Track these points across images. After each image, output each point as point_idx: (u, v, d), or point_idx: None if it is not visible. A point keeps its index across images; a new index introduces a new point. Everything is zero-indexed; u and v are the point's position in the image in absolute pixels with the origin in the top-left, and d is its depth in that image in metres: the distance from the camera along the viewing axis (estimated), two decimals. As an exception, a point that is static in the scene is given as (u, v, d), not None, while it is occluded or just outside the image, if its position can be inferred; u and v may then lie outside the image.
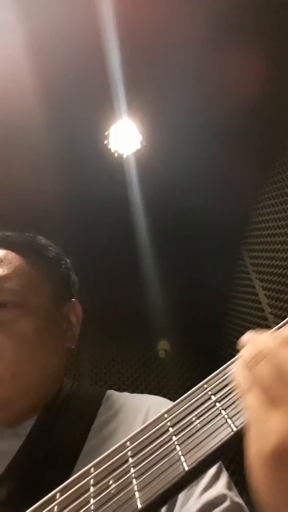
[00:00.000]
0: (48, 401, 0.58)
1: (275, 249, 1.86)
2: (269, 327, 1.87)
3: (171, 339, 2.70)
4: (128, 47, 1.48)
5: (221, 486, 0.47)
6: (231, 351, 2.39)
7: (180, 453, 0.29)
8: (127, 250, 2.23)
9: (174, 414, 0.33)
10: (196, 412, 0.32)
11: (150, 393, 2.75)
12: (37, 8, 1.38)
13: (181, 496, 0.47)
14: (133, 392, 2.47)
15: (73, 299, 0.68)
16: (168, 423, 0.32)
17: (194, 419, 0.31)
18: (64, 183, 2.03)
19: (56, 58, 1.53)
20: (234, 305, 2.40)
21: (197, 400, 0.33)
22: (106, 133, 1.86)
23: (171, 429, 0.31)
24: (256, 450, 0.26)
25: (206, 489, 0.46)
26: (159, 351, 2.67)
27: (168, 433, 0.31)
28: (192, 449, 0.29)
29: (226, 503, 0.45)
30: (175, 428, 0.31)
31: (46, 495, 0.30)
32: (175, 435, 0.30)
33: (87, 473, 0.31)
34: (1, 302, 0.55)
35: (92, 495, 0.29)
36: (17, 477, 0.48)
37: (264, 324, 1.94)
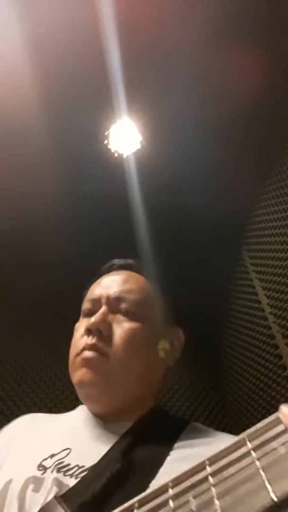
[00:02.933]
0: (145, 411, 0.69)
1: (275, 249, 1.86)
2: (269, 327, 1.88)
3: (171, 339, 2.70)
4: (128, 47, 1.48)
5: None
6: (231, 351, 2.39)
7: (264, 478, 0.27)
8: (127, 250, 2.22)
9: (255, 438, 0.31)
10: (279, 439, 0.30)
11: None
12: (36, 8, 1.38)
13: None
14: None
15: (178, 327, 0.83)
16: (250, 446, 0.30)
17: (276, 445, 0.29)
18: (63, 183, 2.03)
19: (55, 58, 1.53)
20: (234, 305, 2.40)
21: (278, 427, 0.32)
22: (106, 133, 1.86)
23: (253, 453, 0.30)
24: None
25: None
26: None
27: (250, 456, 0.29)
28: (278, 476, 0.26)
29: None
30: (257, 452, 0.29)
31: (125, 497, 0.31)
32: (258, 460, 0.29)
33: (165, 486, 0.30)
34: (124, 308, 0.72)
35: (172, 507, 0.28)
36: (102, 474, 0.52)
37: (264, 324, 1.94)
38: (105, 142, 1.89)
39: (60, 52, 1.51)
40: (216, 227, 2.20)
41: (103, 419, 0.67)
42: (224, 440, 0.62)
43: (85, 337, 0.68)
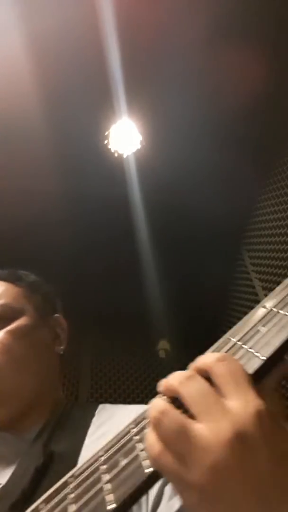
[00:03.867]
0: (50, 412, 0.67)
1: (275, 249, 1.86)
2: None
3: (171, 339, 2.70)
4: (128, 47, 1.48)
5: None
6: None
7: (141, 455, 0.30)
8: (127, 250, 2.23)
9: (140, 422, 0.34)
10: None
11: (150, 392, 2.74)
12: (37, 8, 1.38)
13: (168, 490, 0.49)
14: (132, 392, 2.47)
15: (56, 314, 0.82)
16: (133, 431, 0.33)
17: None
18: (64, 183, 2.02)
19: (56, 58, 1.53)
20: (234, 305, 2.40)
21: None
22: (106, 133, 1.86)
23: (135, 438, 0.32)
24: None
25: None
26: (159, 351, 2.67)
27: (133, 441, 0.32)
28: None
29: None
30: (140, 435, 0.32)
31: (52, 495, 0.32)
32: (141, 442, 0.31)
33: (96, 455, 0.33)
34: None
35: (104, 470, 0.30)
36: (25, 478, 0.52)
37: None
38: (105, 142, 1.89)
39: (61, 52, 1.51)
40: (216, 227, 2.20)
41: (9, 431, 0.64)
42: (133, 409, 0.65)
43: None
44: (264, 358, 0.30)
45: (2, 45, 1.46)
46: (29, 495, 0.48)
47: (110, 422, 0.63)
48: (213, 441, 0.26)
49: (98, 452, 0.33)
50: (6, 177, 1.95)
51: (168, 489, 0.48)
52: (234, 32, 1.49)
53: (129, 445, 0.31)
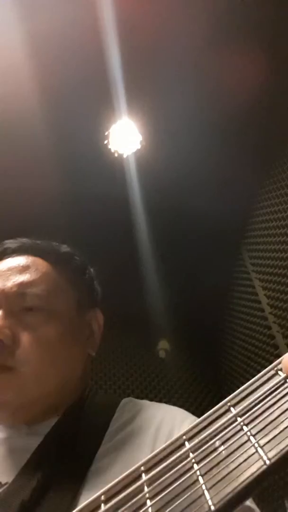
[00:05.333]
0: (70, 405, 0.60)
1: (275, 249, 1.86)
2: (269, 327, 1.88)
3: (171, 339, 2.70)
4: (128, 47, 1.48)
5: None
6: (231, 351, 2.39)
7: (204, 487, 0.24)
8: (127, 250, 2.23)
9: (195, 436, 0.28)
10: (219, 436, 0.28)
11: (150, 393, 2.73)
12: (37, 8, 1.38)
13: None
14: (132, 392, 2.46)
15: (96, 308, 0.70)
16: (188, 447, 0.28)
17: (217, 444, 0.27)
18: (64, 183, 2.03)
19: (56, 58, 1.53)
20: (234, 305, 2.40)
21: (220, 420, 0.29)
22: (106, 133, 1.86)
23: (191, 455, 0.27)
24: None
25: None
26: (159, 351, 2.67)
27: (189, 460, 0.27)
28: (218, 482, 0.24)
29: None
30: (197, 454, 0.27)
31: (62, 492, 0.29)
32: (197, 463, 0.26)
33: (97, 500, 0.27)
34: (28, 306, 0.58)
35: None
36: (35, 473, 0.48)
37: (264, 324, 1.94)
38: (105, 142, 1.89)
39: (61, 53, 1.51)
40: (216, 227, 2.20)
41: (27, 423, 0.58)
42: (154, 415, 0.59)
43: None
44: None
45: (2, 45, 1.46)
46: (38, 496, 0.45)
47: (133, 424, 0.58)
48: None
49: (100, 496, 0.27)
50: (6, 177, 1.95)
51: None
52: (233, 33, 1.49)
53: (138, 500, 0.25)
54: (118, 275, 2.36)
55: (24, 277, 0.60)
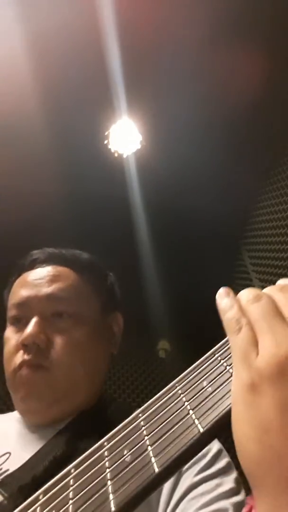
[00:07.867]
0: (89, 404, 0.65)
1: (275, 249, 1.86)
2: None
3: (171, 339, 2.70)
4: (128, 48, 1.48)
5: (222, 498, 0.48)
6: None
7: (193, 416, 0.29)
8: (127, 250, 2.23)
9: (185, 382, 0.33)
10: (206, 377, 0.32)
11: (150, 393, 2.73)
12: (37, 9, 1.38)
13: (182, 505, 0.48)
14: (133, 392, 2.47)
15: (116, 311, 0.77)
16: (180, 391, 0.32)
17: (205, 384, 0.31)
18: (64, 183, 2.03)
19: (56, 58, 1.53)
20: (234, 305, 2.40)
21: (207, 366, 0.34)
22: (106, 133, 1.86)
23: (182, 395, 0.31)
24: (237, 385, 0.27)
25: (206, 504, 0.47)
26: (159, 351, 2.67)
27: (180, 399, 0.31)
28: (205, 412, 0.29)
29: None
30: (187, 394, 0.31)
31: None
32: (188, 401, 0.30)
33: (101, 446, 0.31)
34: (59, 312, 0.64)
35: (107, 465, 0.29)
36: (44, 459, 0.52)
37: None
38: (105, 142, 1.89)
39: (61, 53, 1.51)
40: (216, 227, 2.20)
41: (53, 421, 0.63)
42: None
43: (21, 351, 0.62)
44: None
45: (2, 46, 1.47)
46: (40, 483, 0.46)
47: None
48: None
49: (104, 442, 0.31)
50: (6, 178, 1.95)
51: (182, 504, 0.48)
52: (234, 33, 1.49)
53: (136, 438, 0.30)
54: (118, 275, 2.36)
55: (55, 286, 0.66)
